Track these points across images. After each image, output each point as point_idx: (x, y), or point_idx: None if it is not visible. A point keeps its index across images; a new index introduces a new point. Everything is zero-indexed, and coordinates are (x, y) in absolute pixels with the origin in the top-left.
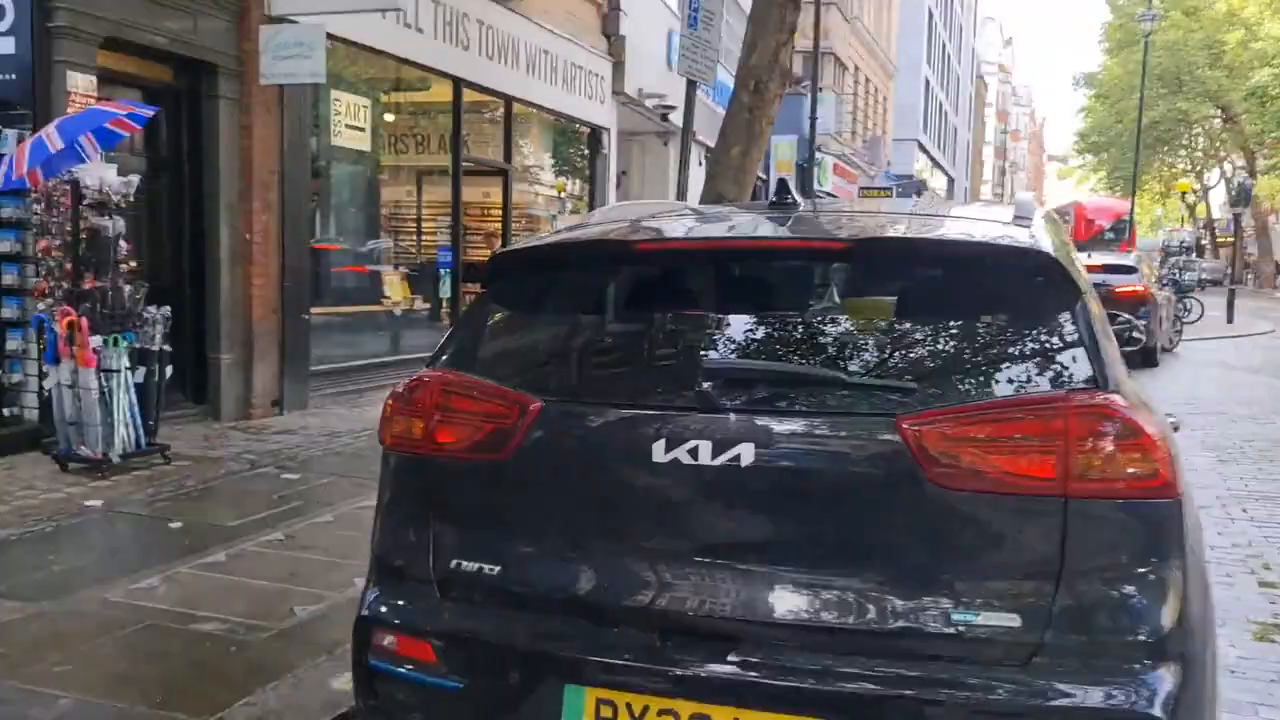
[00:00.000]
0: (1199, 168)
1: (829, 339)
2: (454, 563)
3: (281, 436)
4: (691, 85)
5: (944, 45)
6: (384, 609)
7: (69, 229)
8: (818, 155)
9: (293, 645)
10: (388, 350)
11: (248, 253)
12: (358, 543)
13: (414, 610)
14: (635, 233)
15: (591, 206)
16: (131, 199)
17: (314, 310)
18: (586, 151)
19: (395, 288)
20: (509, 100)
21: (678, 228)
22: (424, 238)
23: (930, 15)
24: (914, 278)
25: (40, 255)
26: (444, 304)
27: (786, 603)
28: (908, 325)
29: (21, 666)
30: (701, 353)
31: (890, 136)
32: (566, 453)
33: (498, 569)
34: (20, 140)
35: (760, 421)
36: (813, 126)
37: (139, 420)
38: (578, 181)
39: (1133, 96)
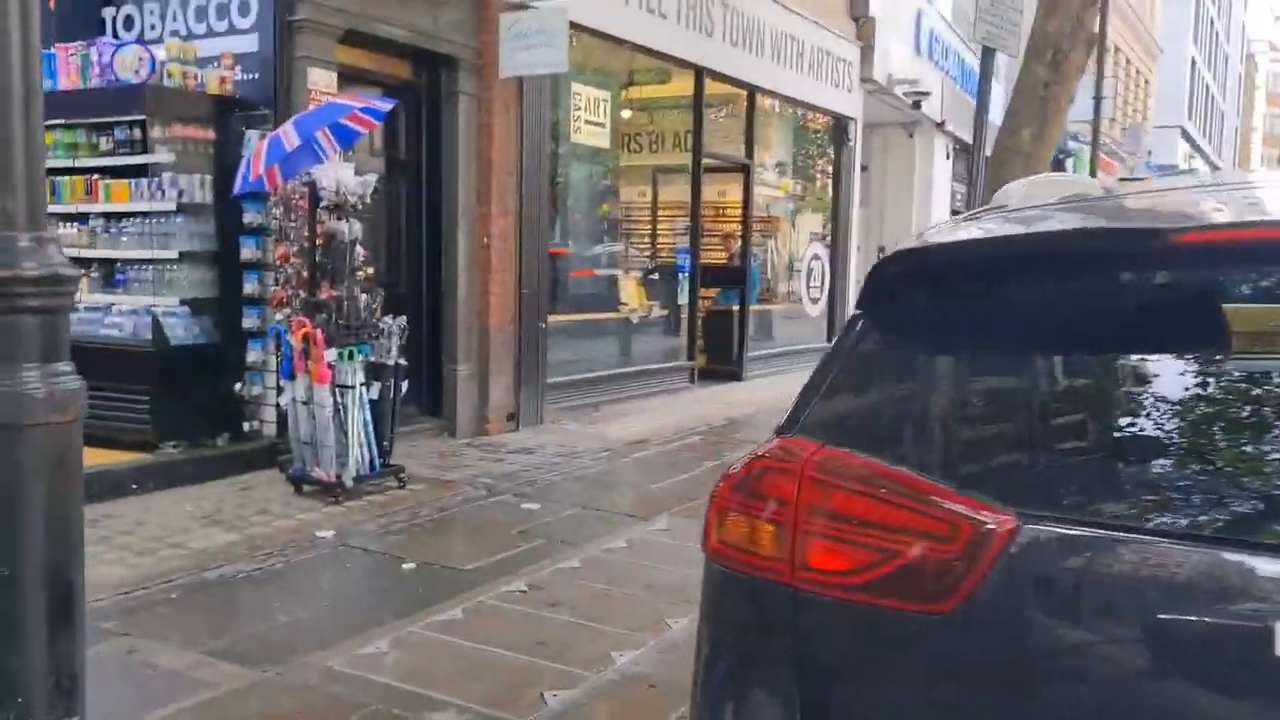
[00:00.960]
0: None
1: None
2: None
3: (518, 456)
4: (988, 54)
5: (1212, 21)
6: None
7: (306, 234)
8: (1073, 145)
9: None
10: (624, 361)
11: (485, 258)
12: (611, 600)
13: None
14: (1160, 215)
15: (836, 205)
16: (368, 200)
17: (550, 318)
18: (831, 145)
19: (631, 293)
20: (752, 91)
21: (1239, 202)
22: (660, 240)
23: None
24: None
25: (279, 262)
26: (682, 310)
27: None
28: None
29: None
30: None
31: (1151, 124)
32: (1073, 615)
33: None
34: (260, 140)
35: None
36: (1097, 109)
37: (373, 440)
38: (820, 177)
39: None
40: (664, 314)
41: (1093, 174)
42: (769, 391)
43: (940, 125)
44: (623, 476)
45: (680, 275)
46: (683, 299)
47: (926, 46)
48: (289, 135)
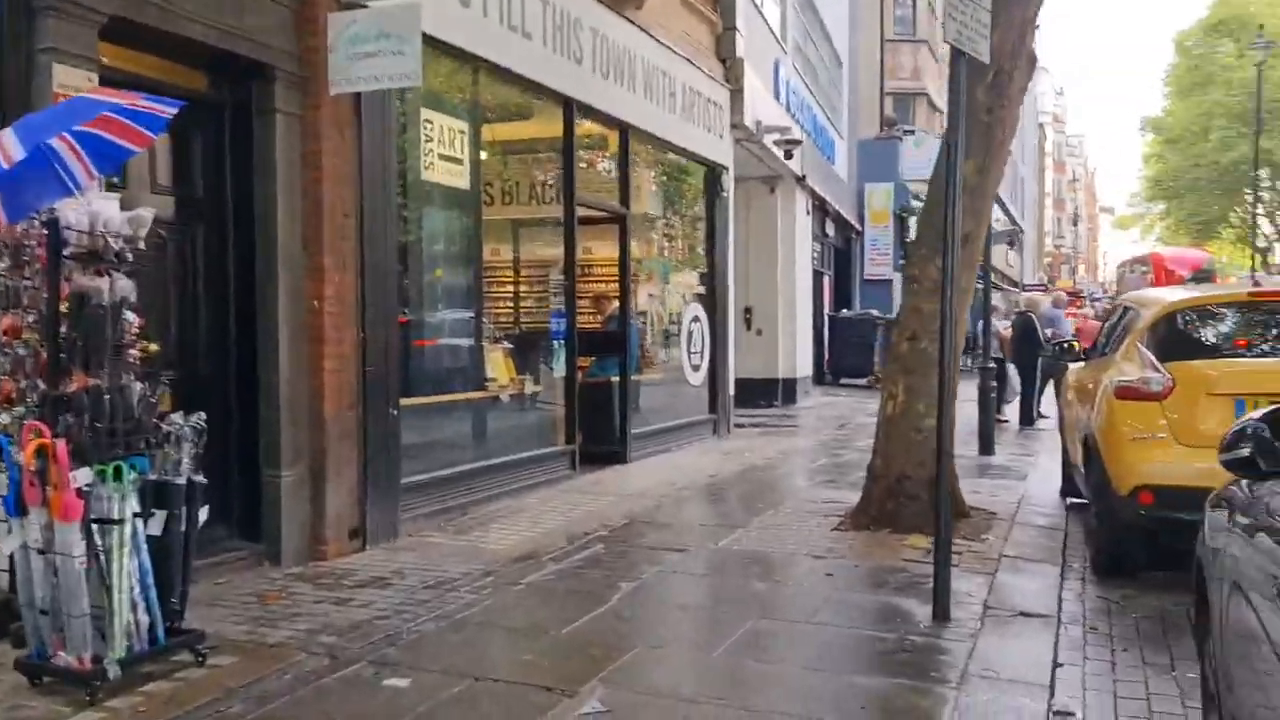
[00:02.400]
0: (1271, 211)
1: None
2: None
3: (371, 592)
4: (958, 57)
5: None
6: None
7: (46, 296)
8: (915, 204)
9: None
10: (495, 449)
11: (317, 326)
12: None
13: None
14: None
15: (712, 262)
16: (142, 248)
17: (402, 401)
18: (705, 195)
19: (500, 366)
20: (625, 130)
21: None
22: (531, 301)
23: None
24: None
25: (3, 338)
26: (558, 384)
27: None
28: None
29: None
30: None
31: None
32: None
33: None
34: None
35: None
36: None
37: (155, 599)
38: (695, 231)
39: (1206, 139)
40: (538, 390)
41: None
42: (660, 475)
43: (801, 180)
44: (518, 616)
45: (555, 343)
46: (559, 370)
47: (785, 97)
48: (7, 147)
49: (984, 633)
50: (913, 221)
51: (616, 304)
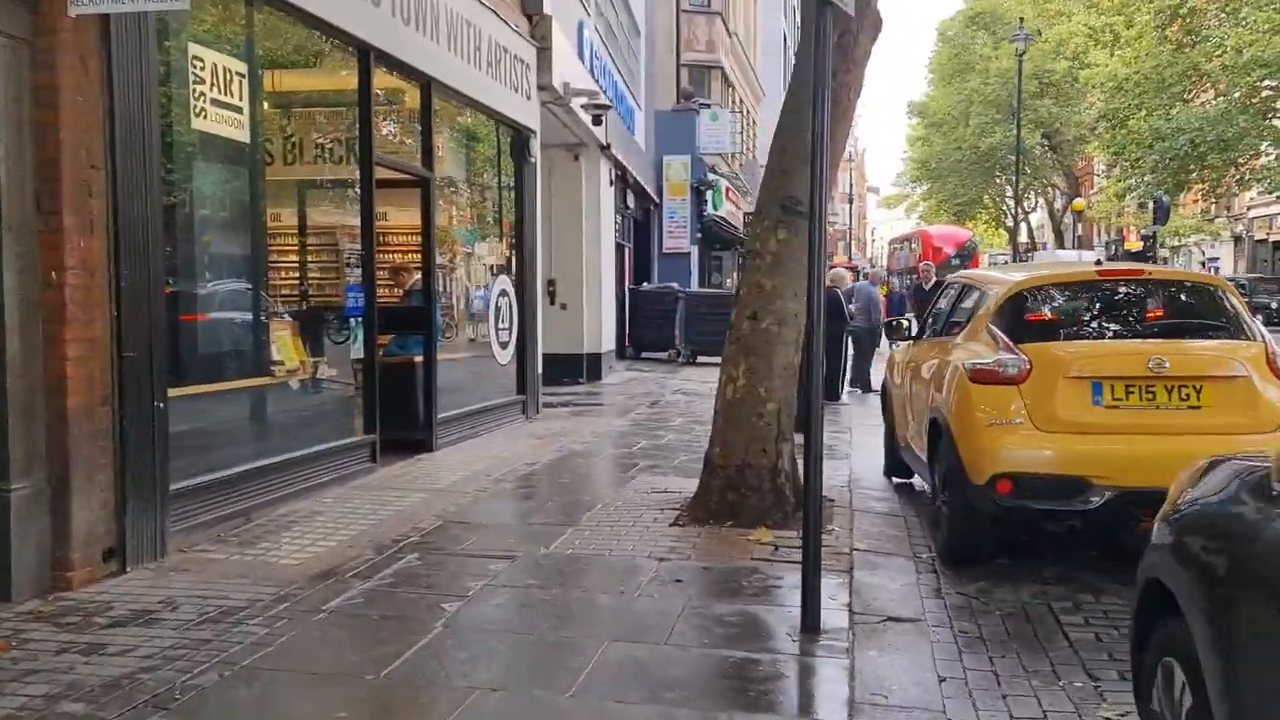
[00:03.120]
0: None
1: None
2: None
3: (132, 633)
4: (822, 9)
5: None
6: None
7: None
8: (711, 177)
9: None
10: (284, 444)
11: (56, 304)
12: None
13: None
14: None
15: (520, 232)
16: None
17: (171, 393)
18: (513, 161)
19: (288, 347)
20: (428, 84)
21: None
22: (324, 273)
23: (785, 39)
24: None
25: None
26: (356, 366)
27: None
28: None
29: None
30: None
31: (759, 163)
32: None
33: None
34: None
35: None
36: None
37: None
38: (502, 199)
39: (966, 124)
40: (333, 373)
41: (718, 206)
42: (473, 464)
43: (606, 148)
44: (324, 656)
45: (352, 320)
46: (357, 351)
47: (589, 61)
48: None
49: (859, 646)
50: (710, 195)
51: (419, 276)
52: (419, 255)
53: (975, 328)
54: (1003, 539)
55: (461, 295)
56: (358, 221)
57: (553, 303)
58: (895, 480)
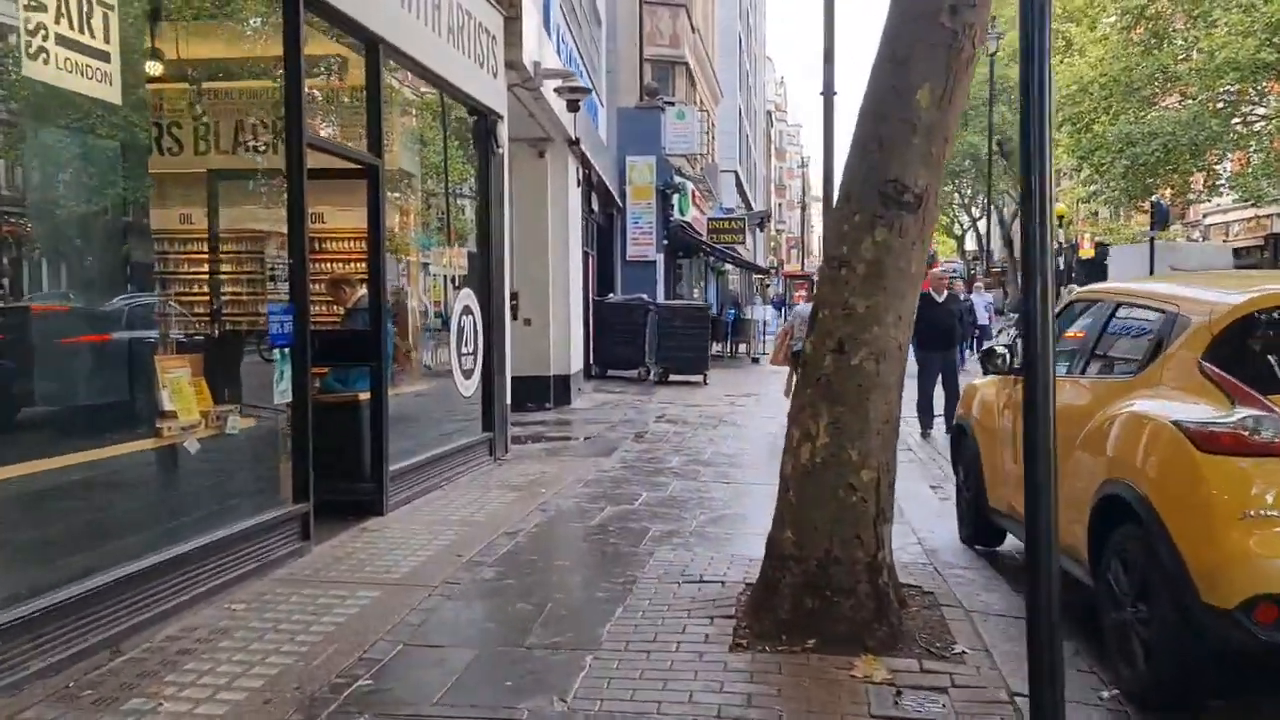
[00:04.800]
0: (968, 201)
1: None
2: None
3: None
4: None
5: (748, 75)
6: None
7: None
8: (678, 180)
9: None
10: (173, 535)
11: None
12: None
13: None
14: None
15: (487, 236)
16: None
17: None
18: (476, 150)
19: (184, 394)
20: (375, 47)
21: None
22: (235, 290)
23: (740, 41)
24: None
25: None
26: (281, 412)
27: None
28: None
29: None
30: None
31: (719, 166)
32: None
33: None
34: None
35: None
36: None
37: None
38: (464, 196)
39: None
40: (250, 424)
41: (684, 211)
42: (435, 535)
43: (575, 144)
44: None
45: (278, 350)
46: (283, 391)
47: (557, 44)
48: None
49: None
50: (677, 199)
51: (364, 291)
52: (364, 264)
53: (1172, 366)
54: (1230, 674)
55: (417, 313)
56: (284, 221)
57: (515, 317)
58: (977, 547)
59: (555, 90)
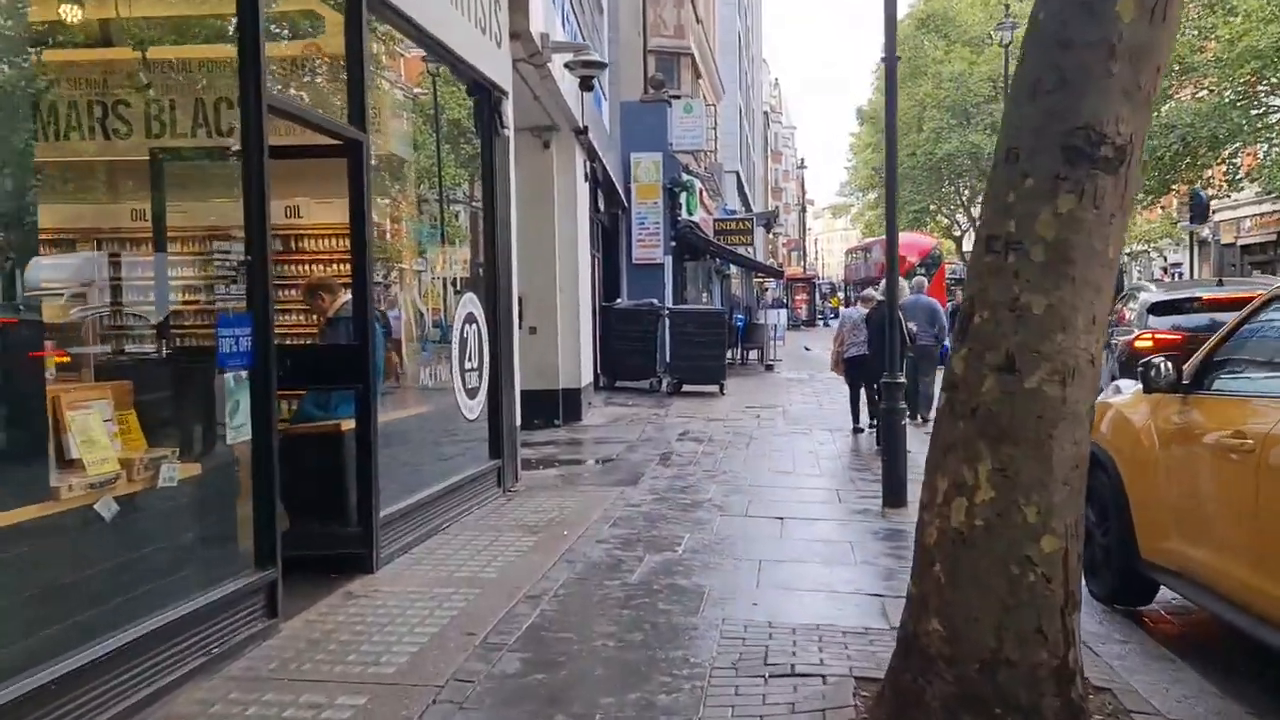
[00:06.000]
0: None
1: None
2: None
3: None
4: None
5: (746, 74)
6: None
7: None
8: (685, 177)
9: None
10: (87, 630)
11: None
12: None
13: None
14: None
15: (492, 232)
16: None
17: None
18: (479, 132)
19: (96, 438)
20: None
21: None
22: (180, 296)
23: (740, 39)
24: None
25: None
26: (239, 452)
27: None
28: None
29: None
30: None
31: (723, 166)
32: None
33: None
34: None
35: None
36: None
37: None
38: (466, 184)
39: (920, 130)
40: (194, 471)
41: (692, 211)
42: (441, 603)
43: (583, 133)
44: None
45: (230, 373)
46: (239, 427)
47: (562, 19)
48: None
49: None
50: (684, 197)
51: (347, 296)
52: (348, 264)
53: None
54: None
55: (412, 323)
56: (240, 213)
57: (520, 325)
58: (1117, 606)
59: (566, 66)
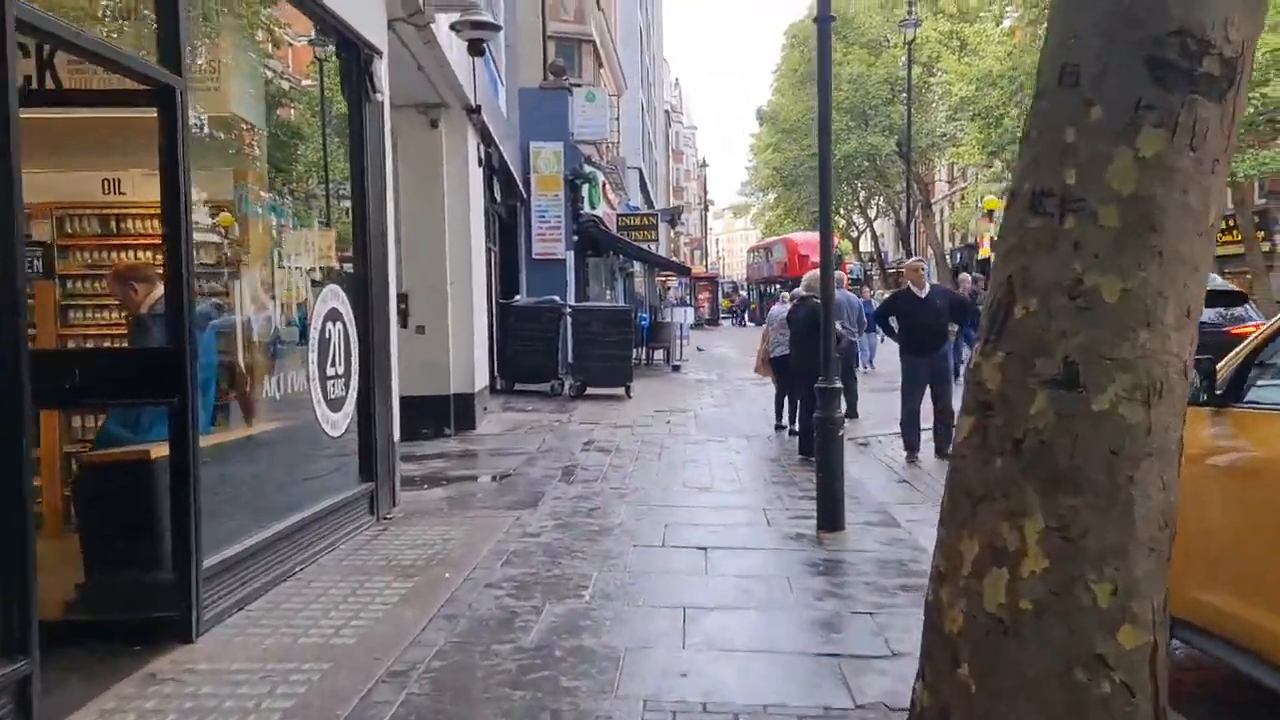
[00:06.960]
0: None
1: None
2: None
3: None
4: None
5: (648, 71)
6: None
7: None
8: (588, 169)
9: None
10: None
11: None
12: None
13: None
14: None
15: (362, 211)
16: None
17: None
18: (347, 95)
19: None
20: None
21: None
22: None
23: (641, 34)
24: None
25: None
26: None
27: None
28: None
29: None
30: None
31: (626, 161)
32: None
33: None
34: None
35: None
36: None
37: None
38: (330, 155)
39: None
40: None
41: (595, 204)
42: (277, 687)
43: (475, 111)
44: None
45: None
46: None
47: None
48: None
49: None
50: (587, 190)
51: (159, 289)
52: (160, 247)
53: None
54: None
55: (257, 320)
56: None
57: (404, 324)
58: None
59: (452, 28)
